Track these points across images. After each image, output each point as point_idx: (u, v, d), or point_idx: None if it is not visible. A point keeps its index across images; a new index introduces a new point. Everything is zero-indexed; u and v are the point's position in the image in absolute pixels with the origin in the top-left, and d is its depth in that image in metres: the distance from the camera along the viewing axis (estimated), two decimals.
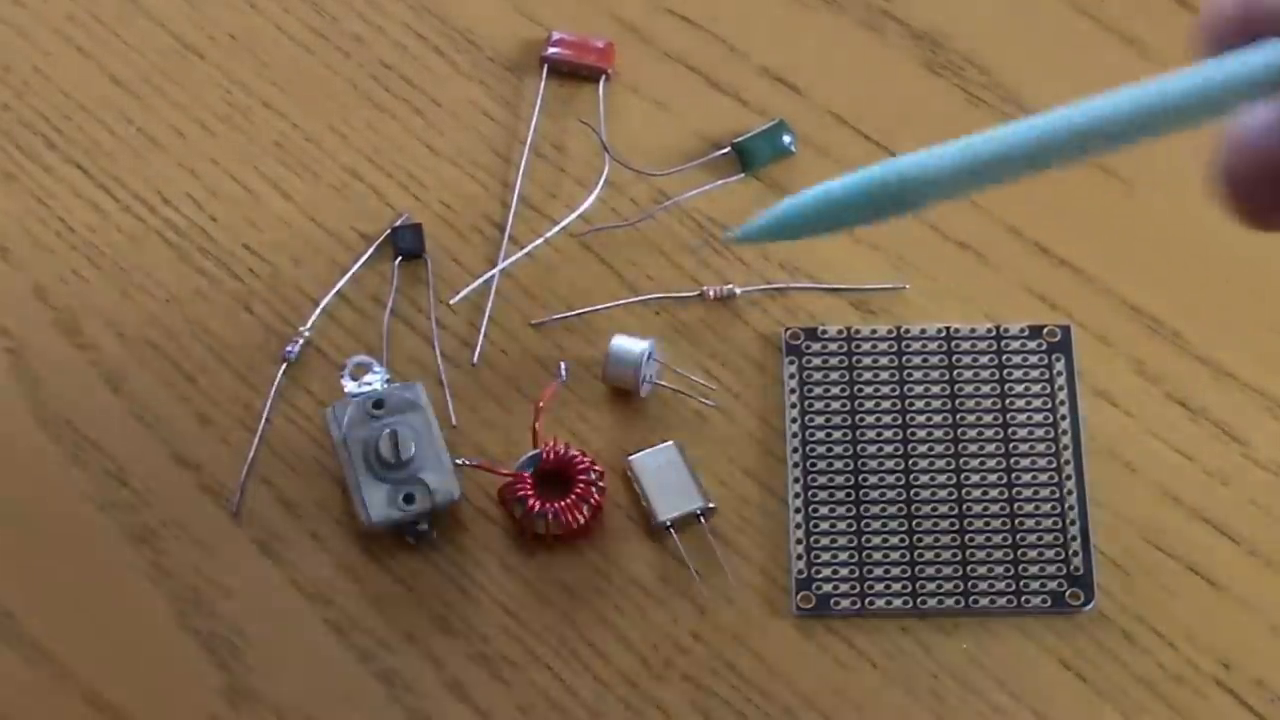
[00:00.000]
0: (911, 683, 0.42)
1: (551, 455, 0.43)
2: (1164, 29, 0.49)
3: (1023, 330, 0.45)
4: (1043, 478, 0.43)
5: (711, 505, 0.43)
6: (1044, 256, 0.46)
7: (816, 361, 0.45)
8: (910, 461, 0.43)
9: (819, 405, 0.44)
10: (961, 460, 0.43)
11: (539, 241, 0.46)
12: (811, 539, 0.43)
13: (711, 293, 0.46)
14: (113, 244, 0.47)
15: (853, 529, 0.43)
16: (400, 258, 0.46)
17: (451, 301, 0.46)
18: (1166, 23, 0.49)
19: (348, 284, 0.46)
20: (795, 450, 0.44)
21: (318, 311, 0.46)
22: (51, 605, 0.43)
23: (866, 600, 0.42)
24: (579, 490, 0.43)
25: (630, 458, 0.43)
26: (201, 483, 0.44)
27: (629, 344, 0.44)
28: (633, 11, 0.50)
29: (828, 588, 0.42)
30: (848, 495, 0.43)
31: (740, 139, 0.47)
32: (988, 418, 0.44)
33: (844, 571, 0.42)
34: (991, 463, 0.43)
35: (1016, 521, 0.43)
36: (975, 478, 0.43)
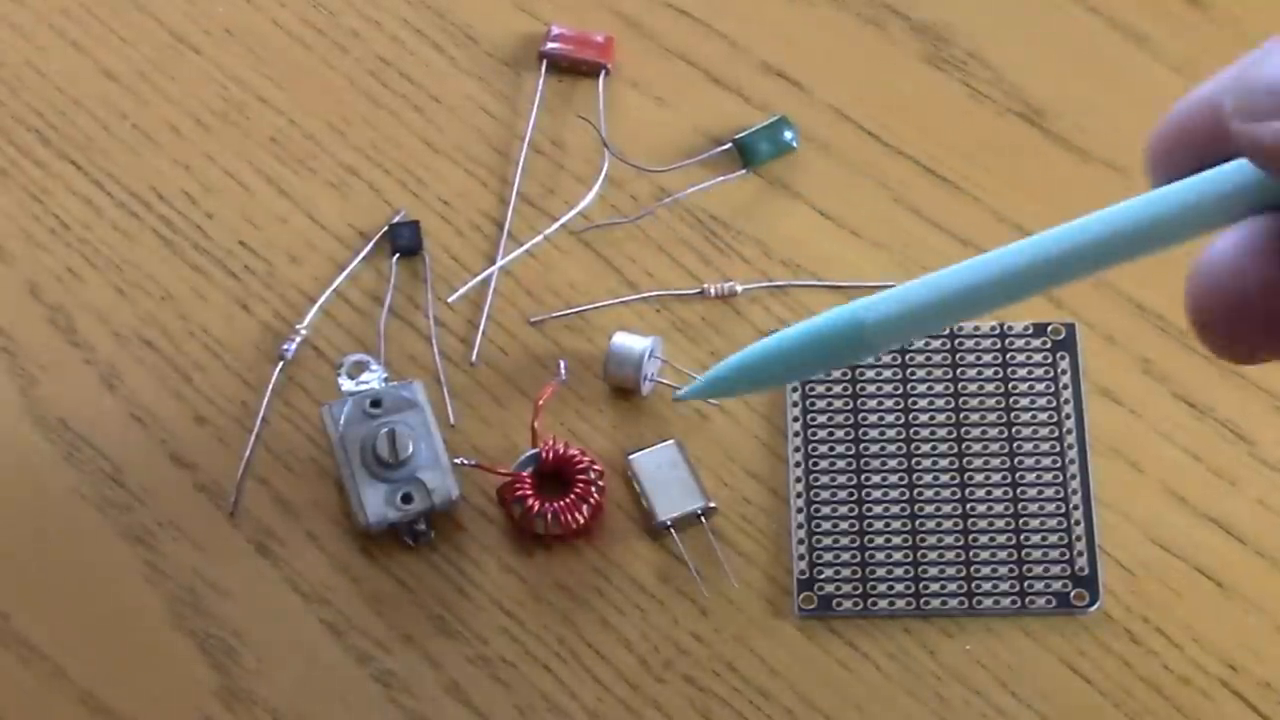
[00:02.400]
0: (914, 684, 0.41)
1: (551, 454, 0.43)
2: (1170, 25, 0.48)
3: (1027, 328, 0.44)
4: (1047, 477, 0.43)
5: (712, 505, 0.43)
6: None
7: None
8: (913, 461, 0.43)
9: (821, 404, 0.44)
10: (965, 459, 0.43)
11: (538, 239, 0.46)
12: (814, 539, 0.42)
13: (713, 290, 0.45)
14: (107, 241, 0.46)
15: (855, 529, 0.42)
16: (398, 255, 0.46)
17: (450, 299, 0.45)
18: (1173, 19, 0.48)
19: (345, 281, 0.46)
20: (797, 449, 0.43)
21: (315, 309, 0.45)
22: (46, 605, 0.42)
23: (869, 601, 0.42)
24: (578, 490, 0.42)
25: (630, 457, 0.43)
26: (198, 482, 0.44)
27: (630, 342, 0.43)
28: (632, 6, 0.49)
29: (830, 588, 0.42)
30: (850, 495, 0.43)
31: (741, 135, 0.47)
32: (991, 416, 0.43)
33: (846, 572, 0.42)
34: (995, 462, 0.43)
35: (1021, 521, 0.42)
36: (979, 477, 0.43)
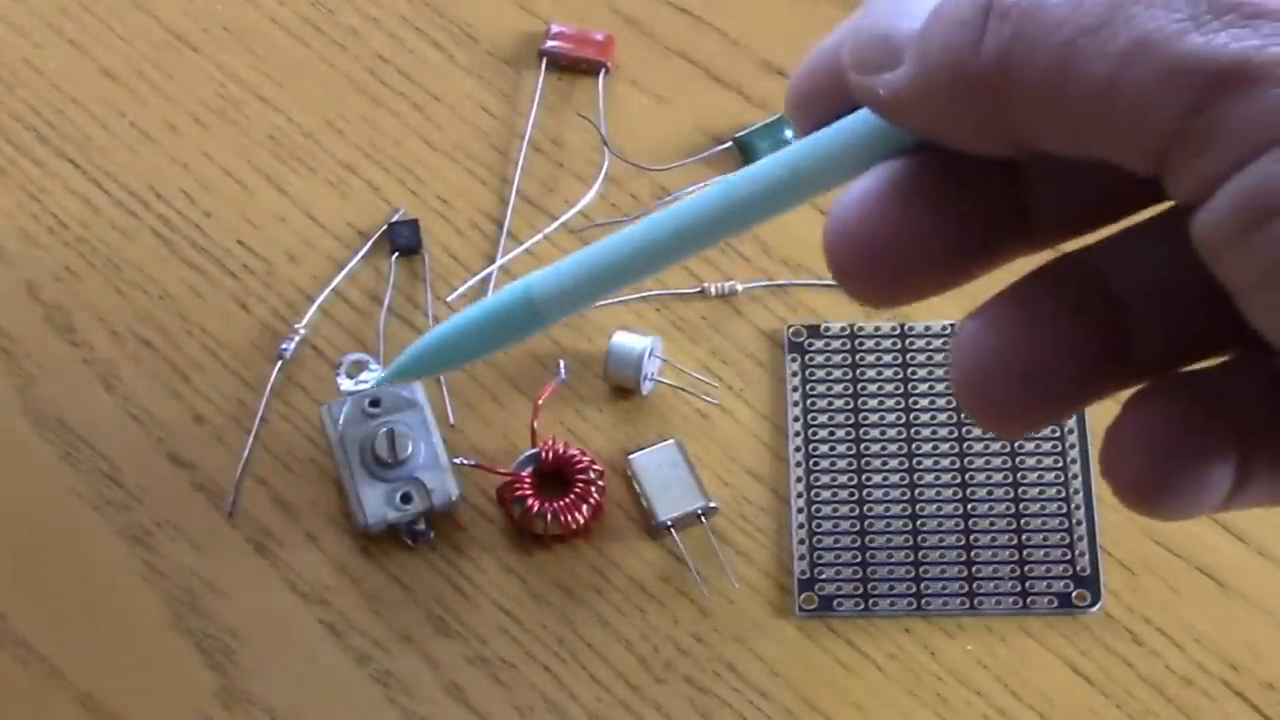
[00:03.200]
0: (915, 685, 0.41)
1: (550, 454, 0.43)
2: None
3: None
4: (1049, 476, 0.43)
5: (713, 504, 0.43)
6: (1049, 250, 0.45)
7: (819, 359, 0.44)
8: (914, 460, 0.43)
9: (822, 403, 0.43)
10: (966, 459, 0.43)
11: (538, 238, 0.46)
12: (814, 539, 0.42)
13: (713, 289, 0.45)
14: (105, 240, 0.46)
15: (856, 529, 0.42)
16: (397, 254, 0.46)
17: (449, 298, 0.45)
18: None
19: (344, 280, 0.46)
20: (798, 449, 0.43)
21: (313, 308, 0.45)
22: (44, 606, 0.42)
23: (870, 601, 0.42)
24: (578, 490, 0.42)
25: (630, 456, 0.43)
26: (196, 482, 0.43)
27: (630, 341, 0.43)
28: (632, 4, 0.49)
29: (830, 588, 0.42)
30: (851, 494, 0.43)
31: (742, 133, 0.47)
32: None
33: (847, 572, 0.42)
34: (997, 461, 0.43)
35: (1022, 521, 0.42)
36: (980, 477, 0.43)
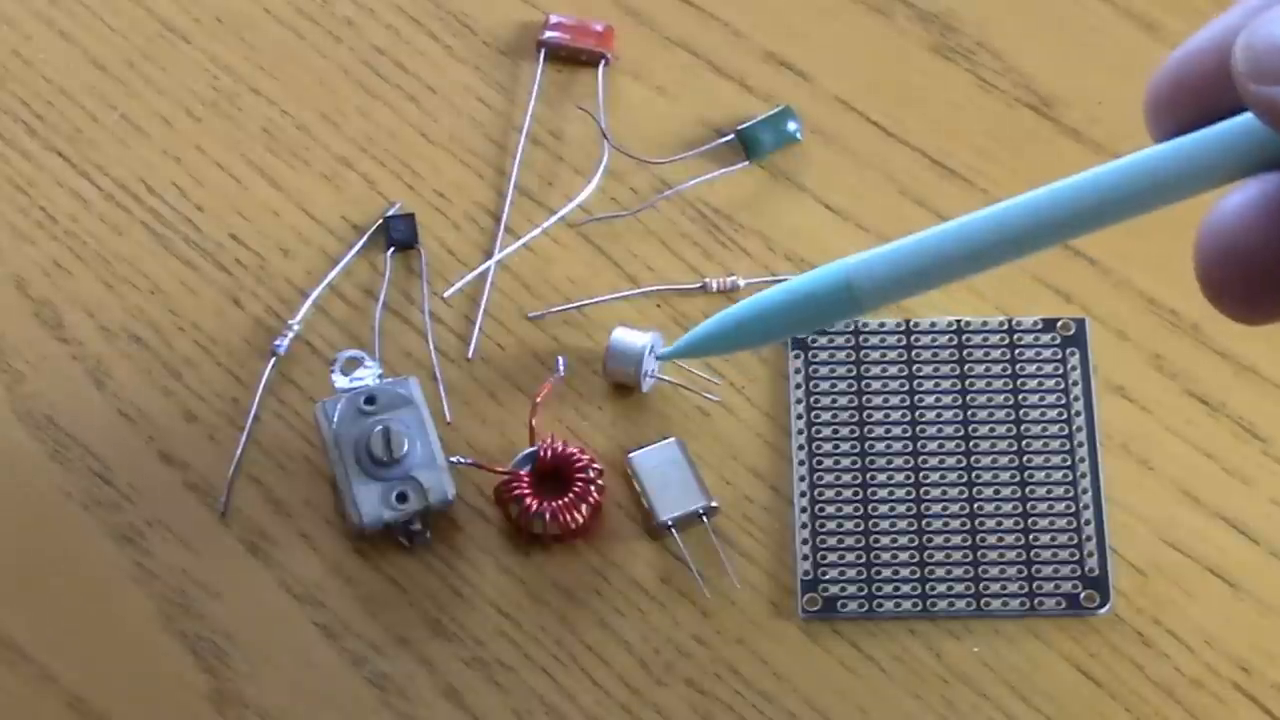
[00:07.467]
0: (921, 687, 0.41)
1: (549, 453, 0.42)
2: (1181, 13, 0.48)
3: (1036, 323, 0.44)
4: (1057, 476, 0.42)
5: (714, 504, 0.42)
6: (1058, 247, 0.45)
7: (823, 355, 0.43)
8: (920, 459, 0.42)
9: (825, 401, 0.43)
10: (973, 458, 0.42)
11: (536, 232, 0.45)
12: (818, 539, 0.42)
13: (714, 284, 0.44)
14: (96, 234, 0.46)
15: (860, 529, 0.42)
16: (393, 248, 0.45)
17: (445, 294, 0.45)
18: (1184, 6, 0.48)
19: (338, 276, 0.45)
20: (801, 447, 0.42)
21: (308, 304, 0.45)
22: (33, 607, 0.42)
23: (874, 602, 0.41)
24: (577, 489, 0.42)
25: (630, 455, 0.42)
26: (188, 481, 0.43)
27: (630, 337, 0.43)
28: None
29: (834, 589, 0.41)
30: (855, 494, 0.42)
31: (744, 126, 0.46)
32: (1000, 414, 0.43)
33: (851, 573, 0.41)
34: (1004, 460, 0.42)
35: (1030, 521, 0.42)
36: (987, 476, 0.42)
